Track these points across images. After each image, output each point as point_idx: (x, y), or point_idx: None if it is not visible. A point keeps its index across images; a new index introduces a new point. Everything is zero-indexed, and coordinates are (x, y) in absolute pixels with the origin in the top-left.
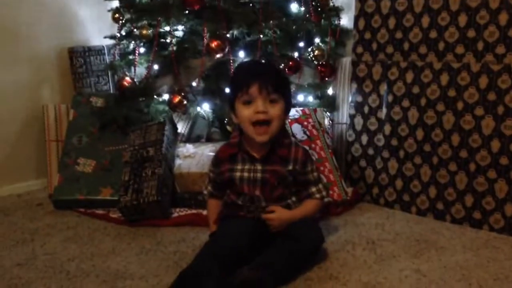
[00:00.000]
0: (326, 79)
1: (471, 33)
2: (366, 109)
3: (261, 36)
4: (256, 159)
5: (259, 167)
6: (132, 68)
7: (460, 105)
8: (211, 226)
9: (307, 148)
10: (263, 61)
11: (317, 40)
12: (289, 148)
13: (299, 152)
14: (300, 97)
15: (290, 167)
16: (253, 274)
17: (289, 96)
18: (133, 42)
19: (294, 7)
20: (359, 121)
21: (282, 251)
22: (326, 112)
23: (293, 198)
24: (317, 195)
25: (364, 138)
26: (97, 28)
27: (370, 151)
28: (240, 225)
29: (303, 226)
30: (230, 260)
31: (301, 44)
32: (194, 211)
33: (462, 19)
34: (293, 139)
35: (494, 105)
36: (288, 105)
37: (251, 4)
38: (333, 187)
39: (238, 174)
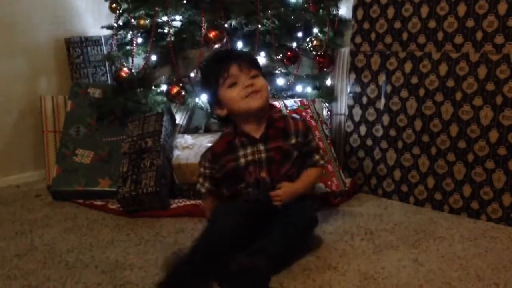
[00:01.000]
0: (325, 69)
1: (470, 23)
2: (364, 99)
3: (260, 26)
4: (256, 139)
5: (261, 147)
6: (130, 59)
7: (458, 96)
8: None
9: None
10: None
11: (315, 30)
12: (285, 120)
13: (299, 124)
14: (299, 88)
15: (293, 141)
16: (249, 261)
17: (261, 69)
18: (130, 32)
19: None
20: (357, 112)
21: (277, 236)
22: (324, 103)
23: (296, 177)
24: (321, 162)
25: (363, 129)
26: (94, 18)
27: (369, 142)
28: (230, 213)
29: (297, 208)
30: (224, 247)
31: (300, 34)
32: (192, 202)
33: (461, 9)
34: (284, 112)
35: (492, 95)
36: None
37: None
38: (331, 177)
39: (243, 160)
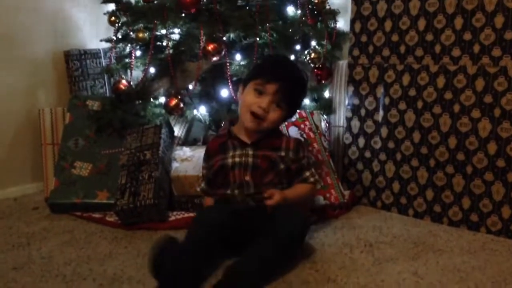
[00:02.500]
0: (323, 82)
1: (467, 36)
2: (363, 111)
3: (258, 39)
4: (247, 144)
5: (250, 151)
6: (129, 71)
7: (456, 108)
8: None
9: (300, 138)
10: (296, 66)
11: (313, 43)
12: (280, 138)
13: (290, 142)
14: None
15: (282, 153)
16: (239, 266)
17: (296, 108)
18: (129, 45)
19: (290, 10)
20: (356, 124)
21: (268, 241)
22: (323, 115)
23: (279, 187)
24: (311, 179)
25: (361, 141)
26: (93, 31)
27: (367, 154)
28: (222, 206)
29: (285, 215)
30: (212, 237)
31: (298, 47)
32: (191, 214)
33: (458, 22)
34: (286, 135)
35: (490, 107)
36: (290, 115)
37: (247, 7)
38: (330, 190)
39: (230, 160)
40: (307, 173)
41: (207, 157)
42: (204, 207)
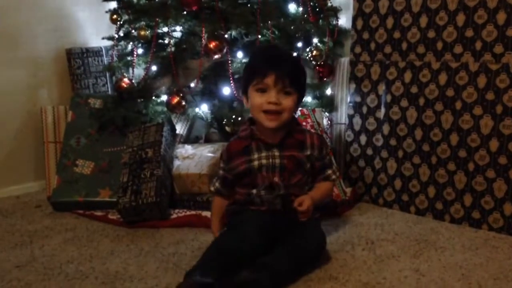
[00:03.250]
0: (325, 79)
1: (469, 33)
2: (364, 109)
3: (259, 36)
4: (272, 145)
5: (276, 152)
6: (130, 69)
7: (458, 105)
8: (214, 232)
9: (321, 134)
10: (280, 49)
11: (315, 40)
12: (304, 133)
13: (315, 138)
14: None
15: (308, 152)
16: (251, 275)
17: (304, 88)
18: (131, 43)
19: (292, 8)
20: (357, 121)
21: (285, 254)
22: (324, 112)
23: (306, 188)
24: (333, 177)
25: (363, 138)
26: (95, 29)
27: (369, 151)
28: (253, 223)
29: (307, 229)
30: (243, 260)
31: (299, 44)
32: (193, 212)
33: (460, 19)
34: (304, 126)
35: (492, 104)
36: (301, 97)
37: (249, 5)
38: None
39: (256, 163)
40: (329, 171)
41: (228, 158)
42: (231, 232)
